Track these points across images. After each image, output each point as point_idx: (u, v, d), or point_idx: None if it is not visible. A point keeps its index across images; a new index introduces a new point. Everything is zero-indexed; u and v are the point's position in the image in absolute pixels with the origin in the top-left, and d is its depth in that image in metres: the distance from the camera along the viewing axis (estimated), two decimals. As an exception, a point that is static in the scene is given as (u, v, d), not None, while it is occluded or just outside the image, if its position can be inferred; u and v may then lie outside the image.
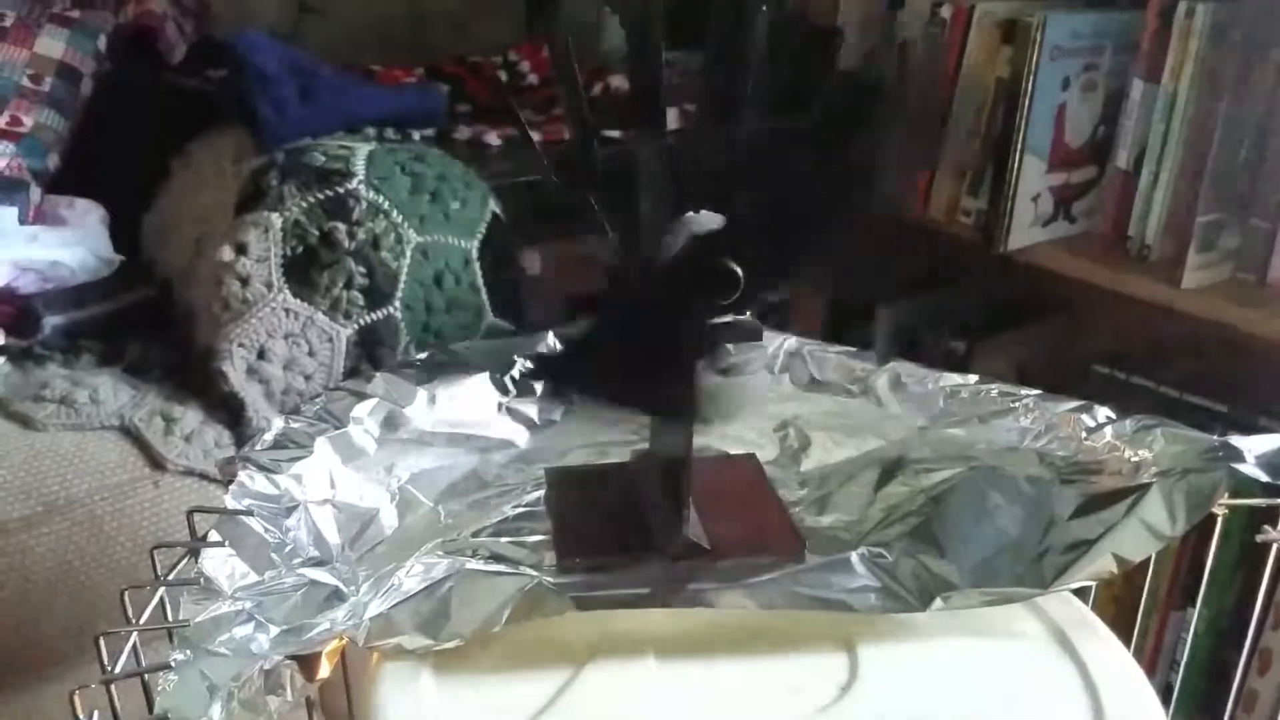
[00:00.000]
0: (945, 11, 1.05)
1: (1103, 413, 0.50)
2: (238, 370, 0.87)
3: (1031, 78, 0.97)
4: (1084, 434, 0.49)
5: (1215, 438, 0.47)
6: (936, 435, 0.51)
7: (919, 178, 1.17)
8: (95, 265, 0.98)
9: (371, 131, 1.06)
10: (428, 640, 0.39)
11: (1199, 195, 0.93)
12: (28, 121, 1.07)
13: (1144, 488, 0.44)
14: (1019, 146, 1.01)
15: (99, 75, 1.16)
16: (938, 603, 0.40)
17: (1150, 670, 1.11)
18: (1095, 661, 0.40)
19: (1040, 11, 0.97)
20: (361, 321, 0.89)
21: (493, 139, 1.16)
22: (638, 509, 0.48)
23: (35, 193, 1.02)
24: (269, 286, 0.87)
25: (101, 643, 0.39)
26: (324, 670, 0.39)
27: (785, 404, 0.56)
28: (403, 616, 0.40)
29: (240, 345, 0.87)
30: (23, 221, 0.98)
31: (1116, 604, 1.14)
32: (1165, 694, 1.06)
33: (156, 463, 0.82)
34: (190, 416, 0.86)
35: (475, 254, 0.95)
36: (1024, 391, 0.53)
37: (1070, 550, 0.41)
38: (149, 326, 0.96)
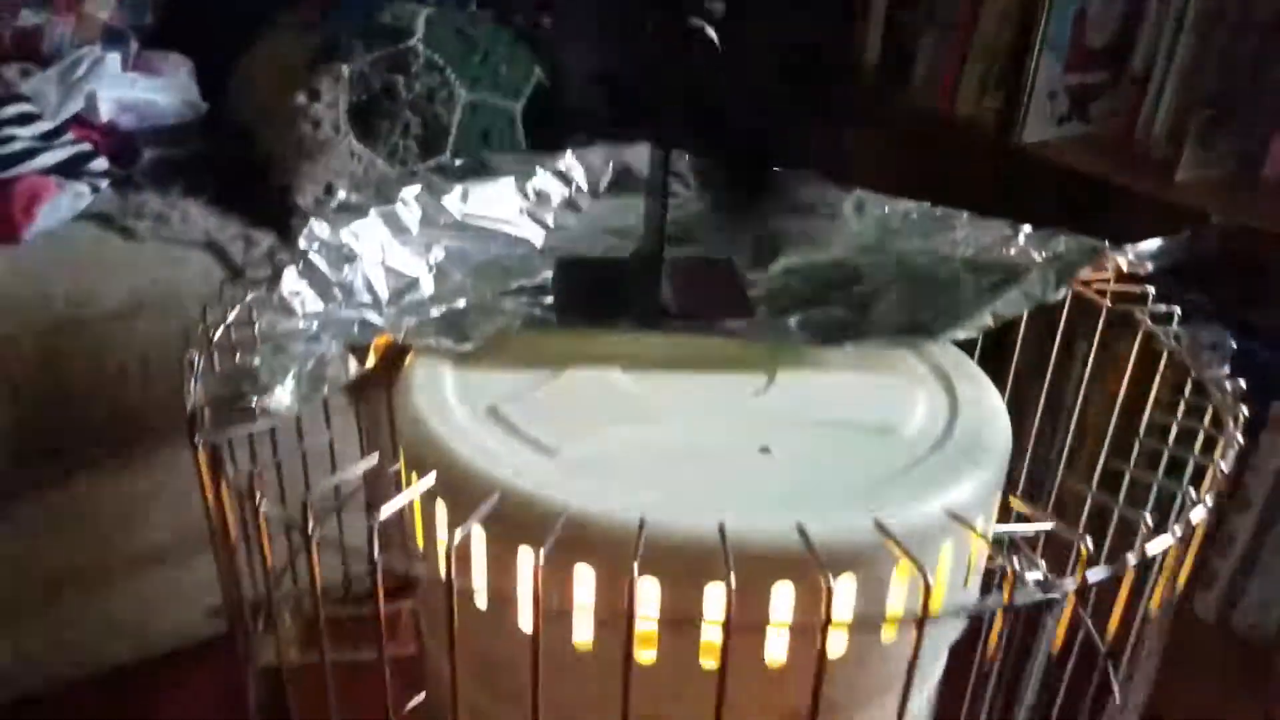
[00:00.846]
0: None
1: (1025, 229, 0.59)
2: (307, 204, 0.98)
3: (1053, -20, 1.04)
4: (1004, 244, 0.58)
5: (1105, 241, 0.55)
6: (881, 244, 0.61)
7: (946, 73, 1.24)
8: (185, 110, 1.10)
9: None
10: (449, 341, 0.51)
11: (1199, 94, 0.99)
12: (130, -19, 1.19)
13: (1029, 268, 0.53)
14: (1038, 46, 1.07)
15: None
16: (848, 345, 0.50)
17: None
18: (963, 390, 0.49)
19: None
20: (415, 169, 1.00)
21: (546, 21, 1.25)
22: (624, 287, 0.58)
23: (134, 45, 1.14)
24: (336, 130, 0.99)
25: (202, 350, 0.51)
26: (370, 360, 0.51)
27: (764, 222, 0.66)
28: (432, 327, 0.52)
29: (311, 182, 0.98)
30: (125, 67, 1.10)
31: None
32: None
33: (237, 274, 0.94)
34: (266, 241, 0.98)
35: (519, 116, 1.05)
36: (965, 215, 0.62)
37: (958, 312, 0.50)
38: (231, 166, 1.08)
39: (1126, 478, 0.56)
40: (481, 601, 0.44)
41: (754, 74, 1.42)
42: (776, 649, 0.41)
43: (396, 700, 0.42)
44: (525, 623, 0.43)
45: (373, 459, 0.42)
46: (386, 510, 0.37)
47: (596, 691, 0.41)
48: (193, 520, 1.00)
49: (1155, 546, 0.41)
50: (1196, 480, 0.48)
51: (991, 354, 0.59)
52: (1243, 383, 0.50)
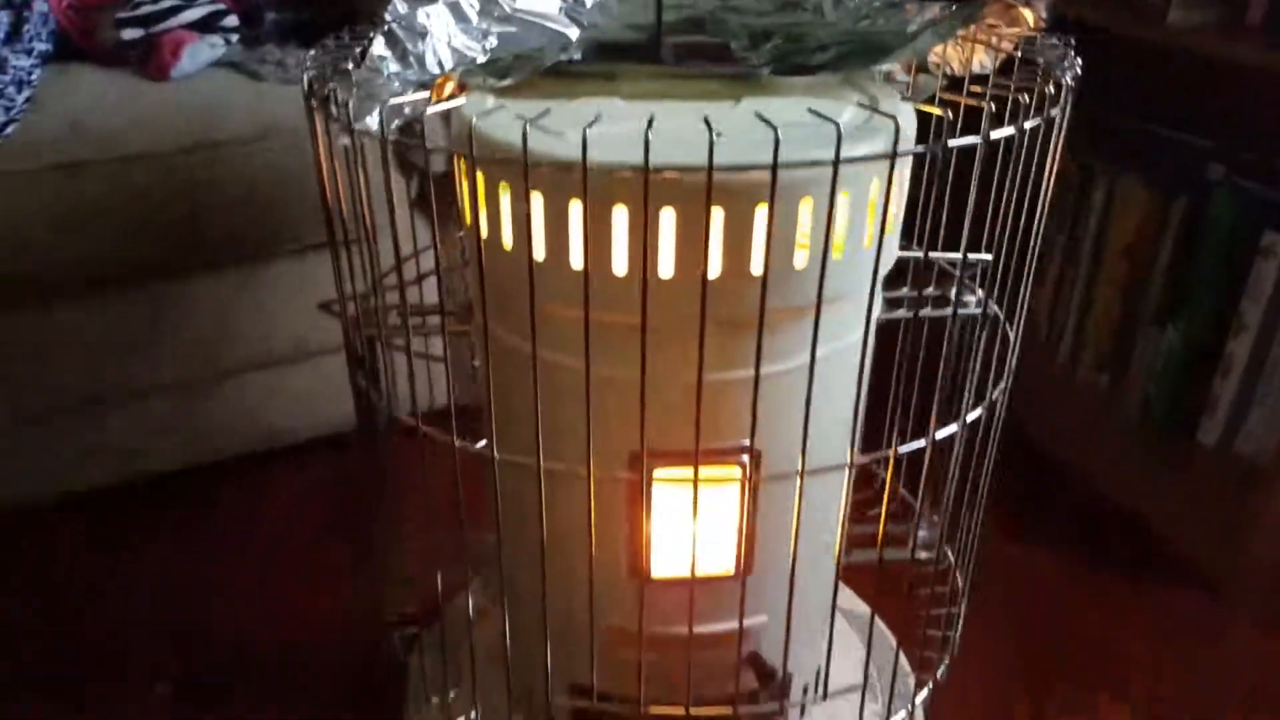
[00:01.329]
0: None
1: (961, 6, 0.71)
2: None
3: None
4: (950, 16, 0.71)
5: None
6: (849, 29, 0.75)
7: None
8: (304, -19, 1.29)
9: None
10: (493, 79, 0.67)
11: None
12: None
13: (940, 21, 0.66)
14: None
15: None
16: (804, 77, 0.65)
17: (1130, 386, 1.31)
18: (886, 104, 0.63)
19: None
20: None
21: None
22: (636, 55, 0.74)
23: (261, -74, 1.33)
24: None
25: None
26: (434, 95, 0.68)
27: (759, 18, 0.81)
28: (480, 71, 0.69)
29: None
30: (253, -55, 1.29)
31: (1112, 328, 1.34)
32: (1144, 404, 1.26)
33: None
34: (367, 83, 1.15)
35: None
36: (920, 2, 0.74)
37: (878, 55, 0.64)
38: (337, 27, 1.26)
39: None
40: (540, 252, 0.60)
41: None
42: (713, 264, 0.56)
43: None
44: (538, 253, 0.59)
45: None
46: (435, 109, 0.54)
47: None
48: (289, 333, 1.20)
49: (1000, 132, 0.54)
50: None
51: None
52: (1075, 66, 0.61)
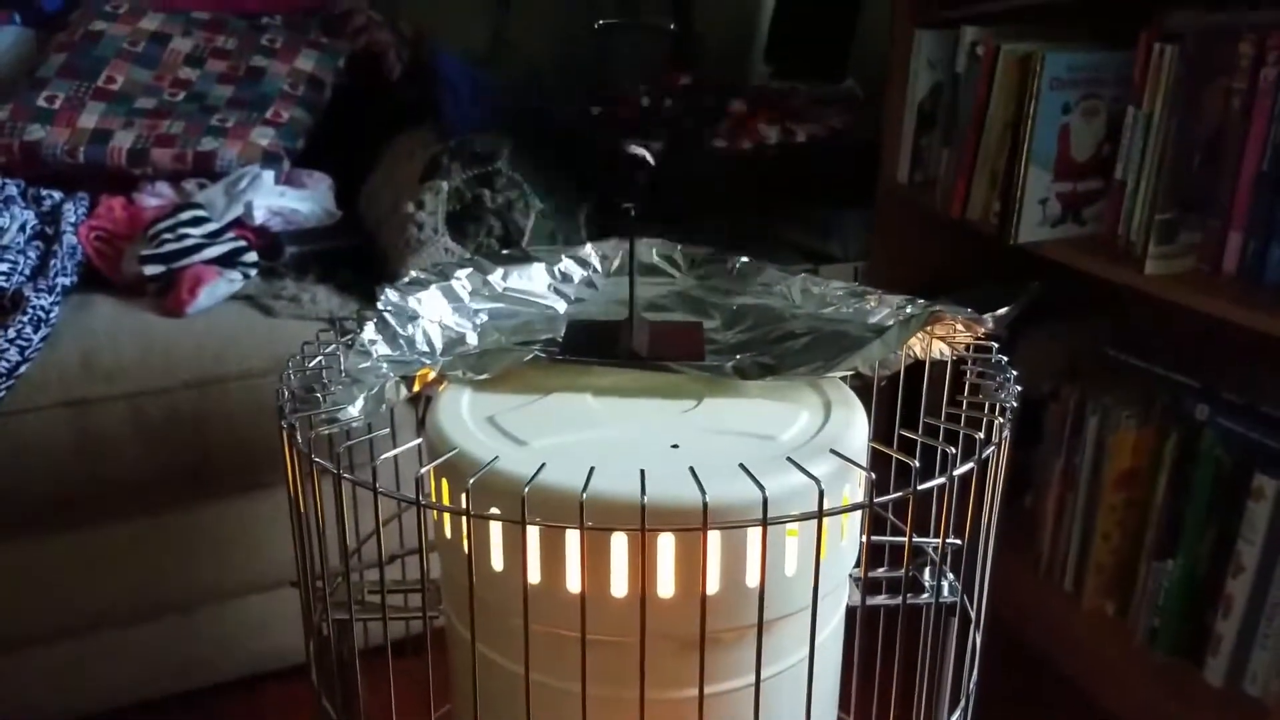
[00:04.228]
0: (979, 50, 1.30)
1: (918, 301, 0.75)
2: (407, 289, 1.21)
3: (1033, 102, 1.20)
4: (897, 312, 0.74)
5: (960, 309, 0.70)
6: (814, 314, 0.78)
7: (957, 183, 1.40)
8: (322, 215, 1.37)
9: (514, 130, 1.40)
10: (471, 373, 0.70)
11: (1165, 198, 1.13)
12: (285, 115, 1.48)
13: (892, 326, 0.69)
14: (1024, 159, 1.24)
15: (337, 85, 1.57)
16: (764, 379, 0.67)
17: (1135, 616, 1.29)
18: (837, 409, 0.65)
19: (1042, 50, 1.20)
20: (470, 256, 1.22)
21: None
22: (612, 339, 0.77)
23: (286, 164, 1.42)
24: (435, 231, 1.23)
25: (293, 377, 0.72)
26: (417, 385, 0.71)
27: (732, 298, 0.84)
28: (460, 363, 0.72)
29: (415, 270, 1.22)
30: (277, 182, 1.38)
31: (1115, 556, 1.33)
32: (1151, 635, 1.24)
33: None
34: (373, 318, 1.21)
35: (582, 221, 1.27)
36: (880, 293, 0.78)
37: (842, 357, 0.67)
38: (356, 261, 1.33)
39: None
40: (497, 561, 0.62)
41: (807, 190, 1.63)
42: (665, 585, 0.57)
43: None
44: (496, 564, 0.61)
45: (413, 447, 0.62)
46: (390, 454, 0.56)
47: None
48: (290, 556, 1.22)
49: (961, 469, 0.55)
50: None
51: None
52: (1013, 397, 0.64)
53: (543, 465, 0.55)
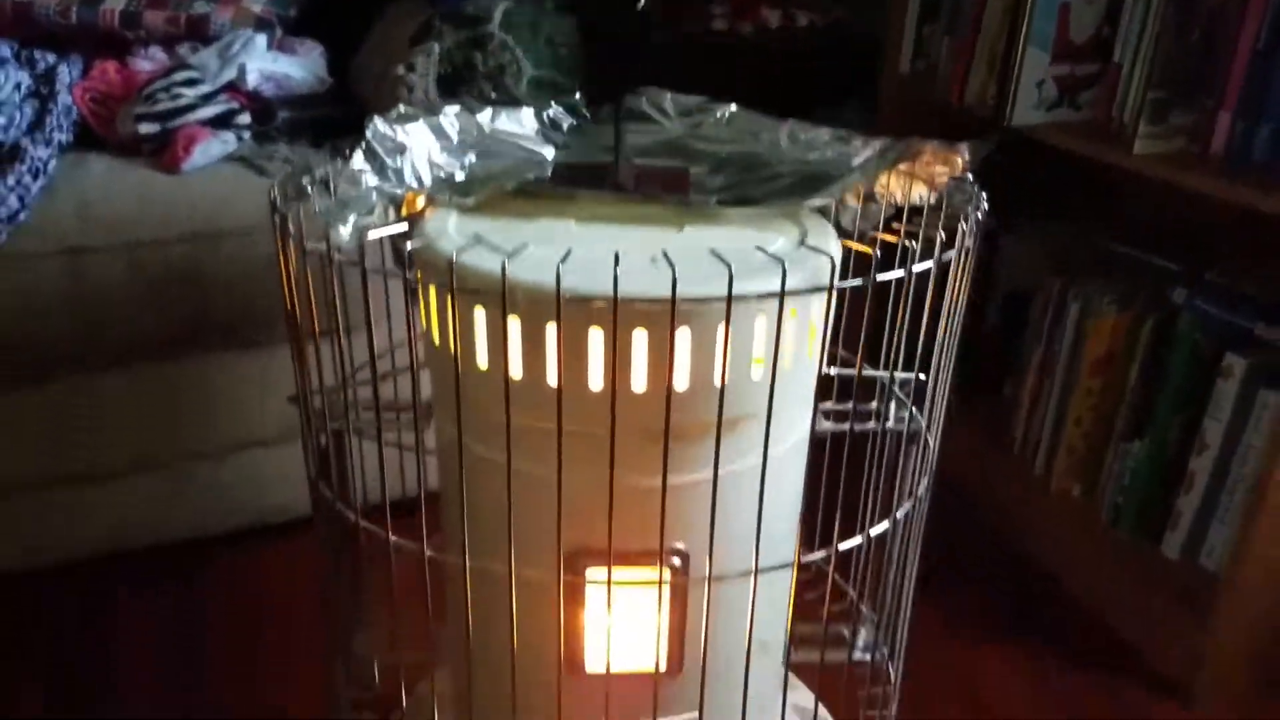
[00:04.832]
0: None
1: (905, 144, 0.76)
2: (400, 153, 1.22)
3: (1034, -20, 1.20)
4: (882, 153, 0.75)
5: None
6: (800, 158, 0.80)
7: (957, 68, 1.40)
8: (314, 83, 1.37)
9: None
10: (459, 197, 0.72)
11: (1158, 79, 1.14)
12: (280, -17, 1.47)
13: (871, 161, 0.70)
14: (1023, 39, 1.24)
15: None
16: (744, 209, 0.69)
17: (1101, 497, 1.33)
18: (814, 234, 0.67)
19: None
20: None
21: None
22: (600, 176, 0.79)
23: (279, 31, 1.42)
24: (426, 94, 1.23)
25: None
26: (405, 209, 0.73)
27: (721, 145, 0.86)
28: (447, 188, 0.74)
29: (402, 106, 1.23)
30: (269, 48, 1.37)
31: (1085, 440, 1.36)
32: (1114, 513, 1.28)
33: (339, 203, 1.19)
34: (365, 181, 1.22)
35: (575, 92, 1.27)
36: (862, 137, 0.79)
37: (821, 188, 0.69)
38: (349, 128, 1.33)
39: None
40: (482, 359, 0.64)
41: (797, 68, 1.62)
42: (638, 380, 0.60)
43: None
44: (481, 362, 0.63)
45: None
46: (378, 233, 0.58)
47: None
48: (287, 413, 1.25)
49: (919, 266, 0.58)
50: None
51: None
52: (978, 210, 0.66)
53: (524, 245, 0.57)
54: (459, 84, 1.23)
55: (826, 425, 0.71)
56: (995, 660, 1.20)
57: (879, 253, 0.56)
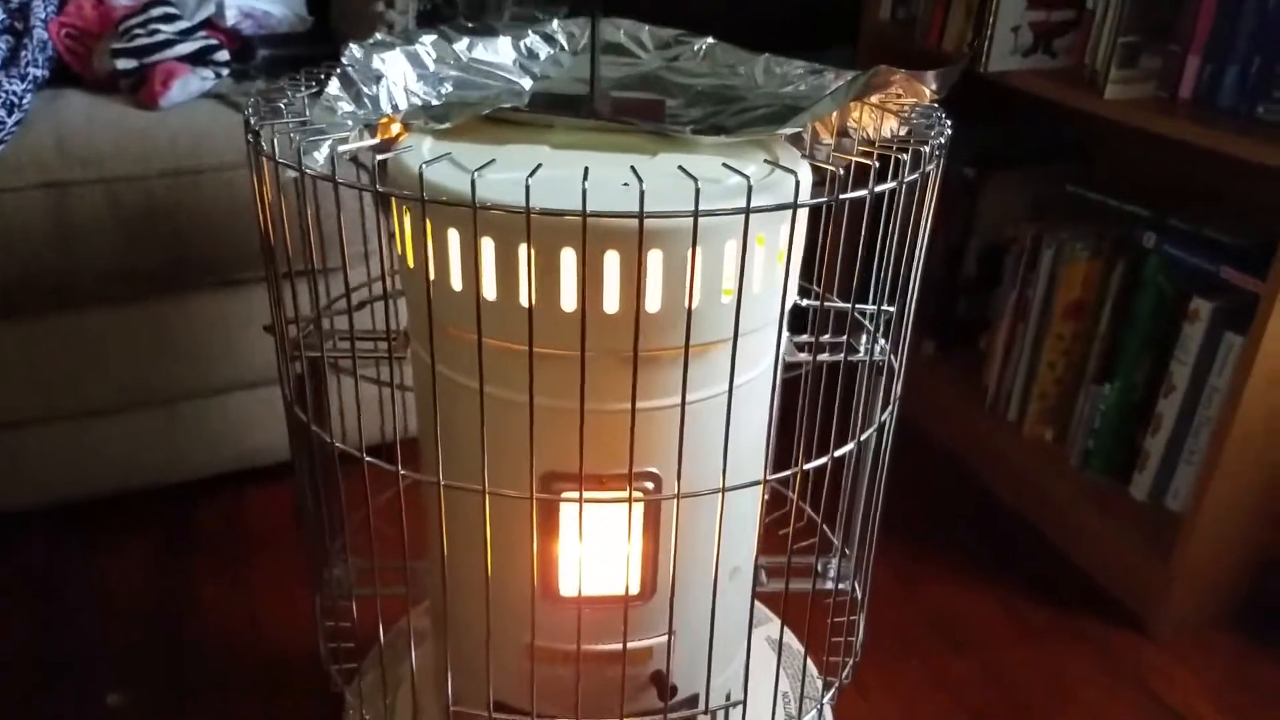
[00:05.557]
0: None
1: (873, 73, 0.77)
2: (380, 92, 1.22)
3: (1011, -80, 1.20)
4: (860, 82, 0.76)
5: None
6: (774, 91, 0.81)
7: (935, 14, 1.41)
8: (294, 20, 1.36)
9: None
10: (434, 121, 0.73)
11: (1131, 25, 1.15)
12: (259, -80, 1.45)
13: (839, 88, 0.71)
14: (999, -17, 1.24)
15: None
16: (719, 135, 0.70)
17: (1072, 441, 1.36)
18: (785, 161, 0.69)
19: None
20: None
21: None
22: (576, 105, 0.79)
23: (259, -32, 1.40)
24: (406, 30, 1.22)
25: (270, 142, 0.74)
26: (380, 134, 0.74)
27: (696, 79, 0.86)
28: (421, 113, 0.74)
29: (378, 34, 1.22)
30: (249, -16, 1.36)
31: (1057, 385, 1.39)
32: (1084, 457, 1.30)
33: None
34: (345, 119, 1.22)
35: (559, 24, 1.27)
36: (834, 70, 0.80)
37: (793, 116, 0.70)
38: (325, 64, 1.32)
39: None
40: (456, 281, 0.65)
41: (778, 13, 1.62)
42: (610, 301, 0.61)
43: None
44: (455, 284, 0.65)
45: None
46: (348, 147, 0.59)
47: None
48: (269, 355, 1.26)
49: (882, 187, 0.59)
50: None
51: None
52: (943, 135, 0.67)
53: (492, 160, 0.58)
54: (439, 20, 1.22)
55: (799, 356, 0.72)
56: (968, 597, 1.23)
57: (842, 171, 0.57)
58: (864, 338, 0.78)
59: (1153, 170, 1.34)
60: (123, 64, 1.22)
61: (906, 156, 0.61)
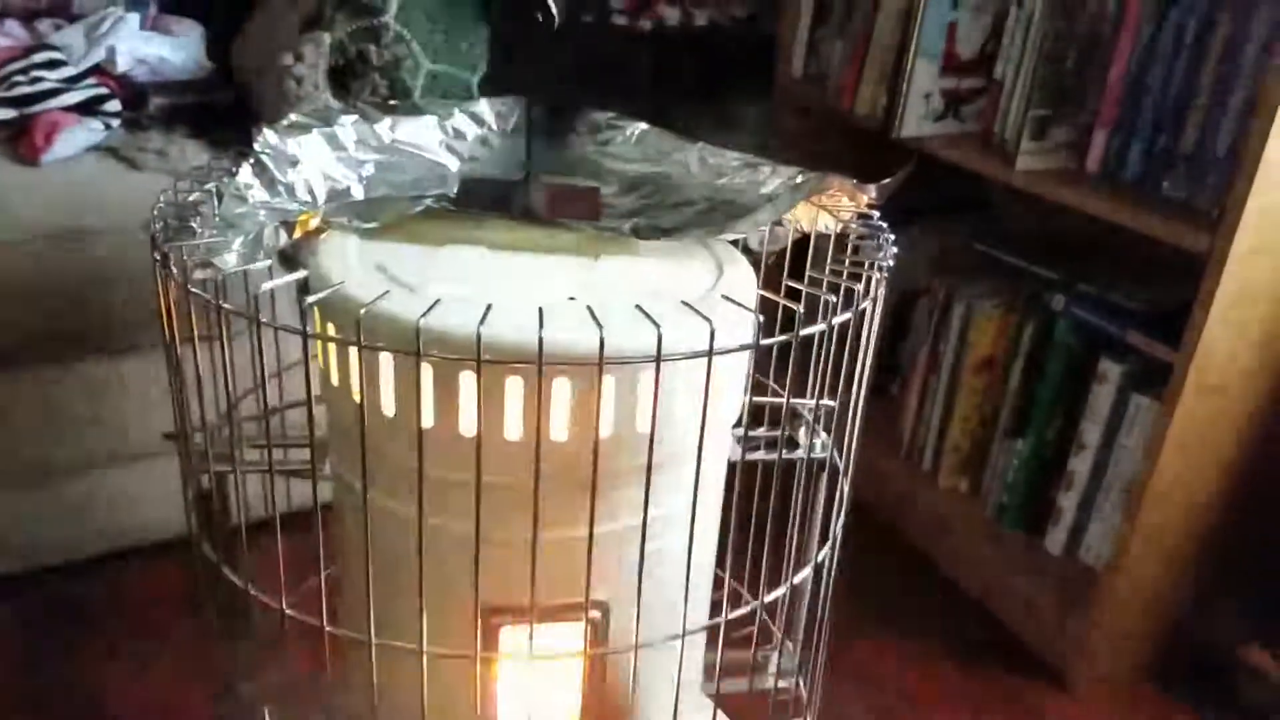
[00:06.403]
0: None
1: (810, 174, 0.77)
2: (287, 148, 1.16)
3: (924, -5, 1.23)
4: (790, 181, 0.76)
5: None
6: (709, 183, 0.79)
7: (848, 76, 1.42)
8: (193, 67, 1.29)
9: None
10: (359, 220, 0.69)
11: (1038, 97, 1.18)
12: (151, -44, 1.37)
13: (782, 194, 0.71)
14: (913, 51, 1.26)
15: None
16: (659, 237, 0.68)
17: (986, 493, 1.38)
18: (729, 268, 0.67)
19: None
20: (354, 103, 1.17)
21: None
22: (508, 197, 0.77)
23: (153, 8, 1.33)
24: (316, 87, 1.17)
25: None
26: (298, 231, 0.69)
27: (630, 165, 0.84)
28: (346, 210, 0.70)
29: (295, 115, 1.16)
30: (143, 27, 1.28)
31: (970, 437, 1.41)
32: (999, 510, 1.33)
33: (221, 201, 1.13)
34: (249, 177, 1.16)
35: (475, 85, 1.24)
36: (771, 165, 0.79)
37: (734, 220, 0.68)
38: (228, 117, 1.26)
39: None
40: (389, 406, 0.61)
41: (705, 79, 1.62)
42: (559, 429, 0.59)
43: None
44: (388, 409, 0.61)
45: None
46: (269, 285, 0.55)
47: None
48: (159, 419, 1.18)
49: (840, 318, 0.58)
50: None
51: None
52: (889, 257, 0.67)
53: (437, 301, 0.55)
54: (350, 77, 1.17)
55: (759, 455, 0.71)
56: (886, 652, 1.24)
57: (801, 309, 0.56)
58: (802, 432, 0.77)
59: (1059, 232, 1.38)
60: (1, 114, 1.13)
61: (859, 286, 0.60)
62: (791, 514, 0.72)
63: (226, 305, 0.59)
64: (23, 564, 1.19)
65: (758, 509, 0.73)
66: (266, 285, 0.56)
